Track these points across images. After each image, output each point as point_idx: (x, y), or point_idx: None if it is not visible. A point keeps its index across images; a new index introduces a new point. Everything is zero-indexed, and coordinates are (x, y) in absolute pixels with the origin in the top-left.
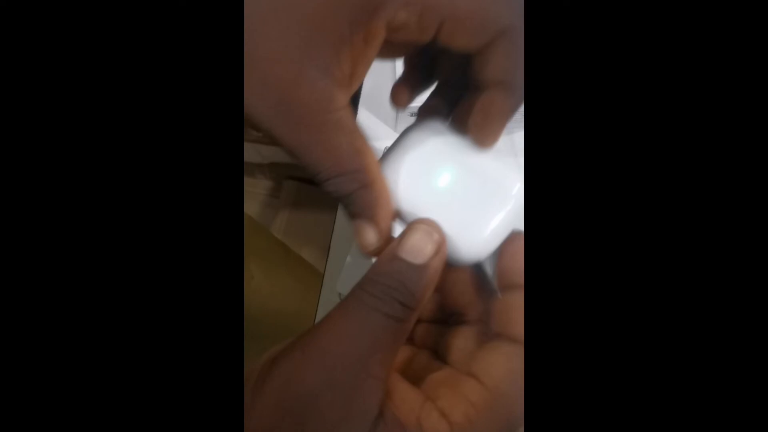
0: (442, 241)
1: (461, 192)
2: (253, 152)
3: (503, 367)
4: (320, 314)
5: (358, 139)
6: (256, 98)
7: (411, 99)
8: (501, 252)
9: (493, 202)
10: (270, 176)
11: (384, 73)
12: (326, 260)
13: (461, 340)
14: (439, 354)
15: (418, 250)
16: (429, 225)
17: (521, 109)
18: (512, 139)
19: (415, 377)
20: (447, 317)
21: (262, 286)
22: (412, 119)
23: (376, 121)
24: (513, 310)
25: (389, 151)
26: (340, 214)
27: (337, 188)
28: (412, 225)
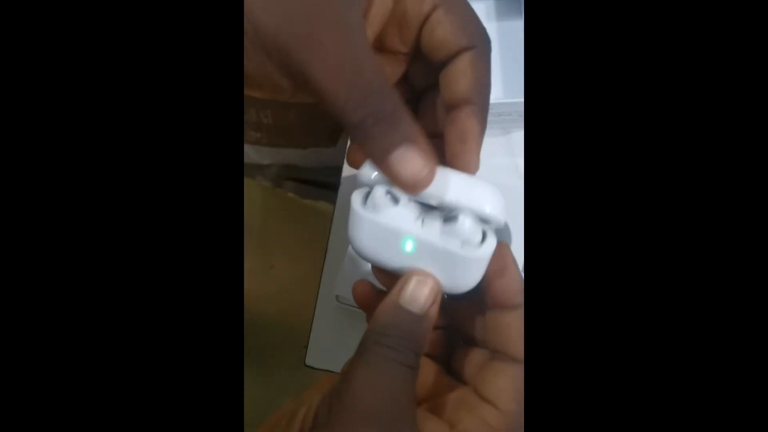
0: (437, 289)
1: (437, 238)
2: (253, 154)
3: (512, 389)
4: (318, 315)
5: (381, 67)
6: (285, 33)
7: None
8: (487, 274)
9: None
10: (270, 178)
11: None
12: (324, 261)
13: (474, 360)
14: (450, 369)
15: (417, 300)
16: (423, 274)
17: (520, 108)
18: (509, 139)
19: (428, 392)
20: (453, 332)
21: (279, 277)
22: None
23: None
24: (510, 329)
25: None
26: (337, 216)
27: (375, 110)
28: (407, 276)
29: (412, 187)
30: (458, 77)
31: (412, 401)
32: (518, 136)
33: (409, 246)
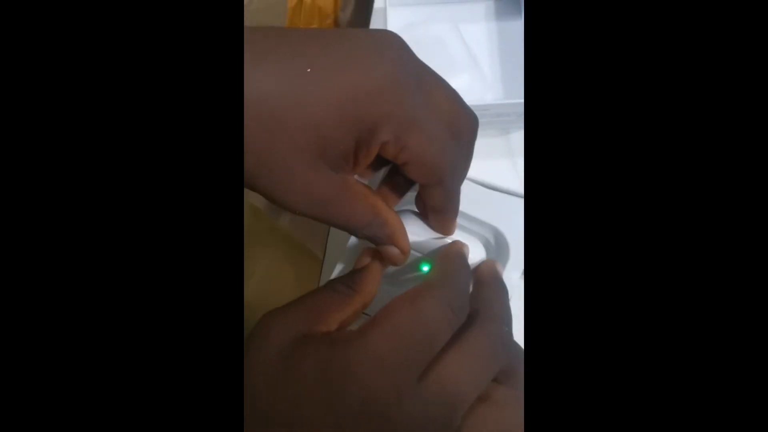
0: (374, 259)
1: None
2: None
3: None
4: None
5: (369, 196)
6: (287, 196)
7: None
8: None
9: None
10: None
11: None
12: (322, 261)
13: None
14: None
15: (360, 260)
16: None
17: (519, 109)
18: (508, 140)
19: None
20: None
21: (262, 283)
22: None
23: None
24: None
25: None
26: None
27: (366, 235)
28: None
29: (395, 264)
30: (433, 197)
31: (326, 309)
32: (517, 137)
33: (426, 269)
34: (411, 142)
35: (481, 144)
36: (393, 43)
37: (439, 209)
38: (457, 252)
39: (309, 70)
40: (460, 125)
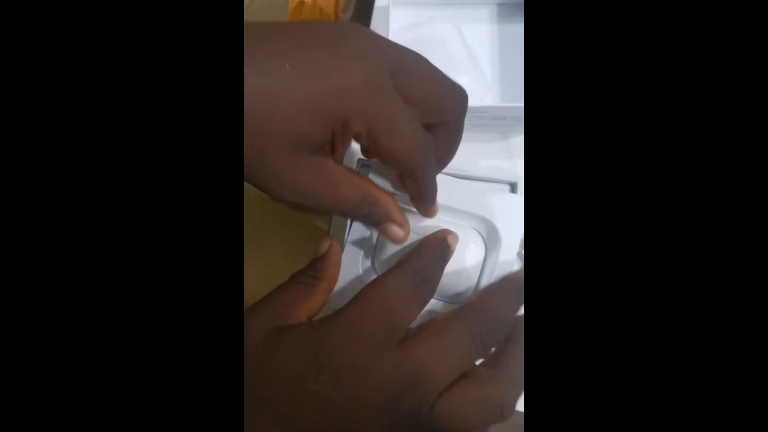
0: (332, 241)
1: None
2: None
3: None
4: None
5: (356, 178)
6: (274, 184)
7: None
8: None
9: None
10: None
11: None
12: None
13: None
14: None
15: (319, 248)
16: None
17: (517, 113)
18: (509, 144)
19: None
20: None
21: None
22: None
23: None
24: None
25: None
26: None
27: (359, 213)
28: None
29: (398, 242)
30: (406, 183)
31: (292, 301)
32: (517, 141)
33: None
34: (382, 138)
35: (479, 146)
36: (368, 41)
37: (414, 196)
38: (437, 235)
39: (288, 67)
40: (444, 106)
